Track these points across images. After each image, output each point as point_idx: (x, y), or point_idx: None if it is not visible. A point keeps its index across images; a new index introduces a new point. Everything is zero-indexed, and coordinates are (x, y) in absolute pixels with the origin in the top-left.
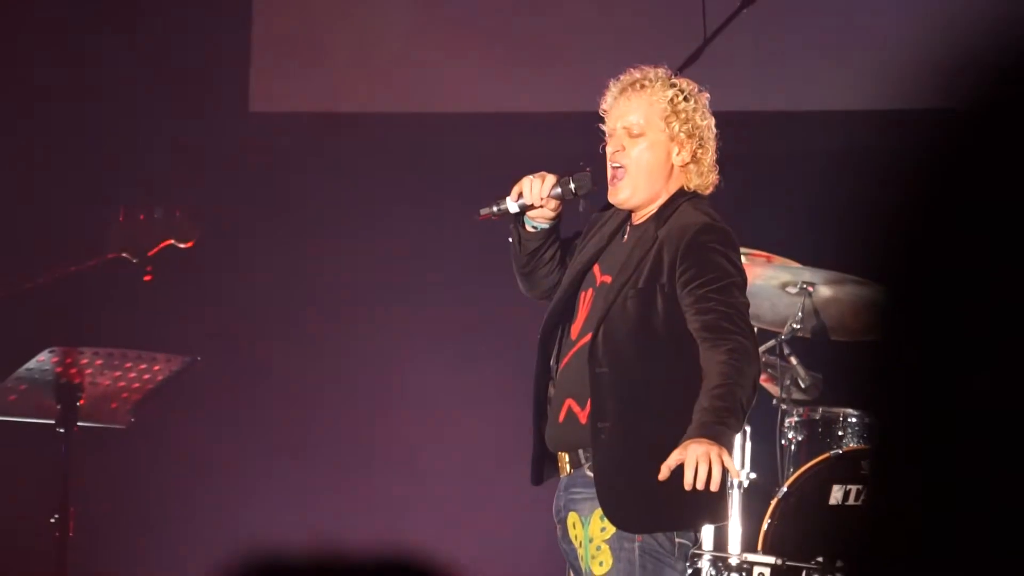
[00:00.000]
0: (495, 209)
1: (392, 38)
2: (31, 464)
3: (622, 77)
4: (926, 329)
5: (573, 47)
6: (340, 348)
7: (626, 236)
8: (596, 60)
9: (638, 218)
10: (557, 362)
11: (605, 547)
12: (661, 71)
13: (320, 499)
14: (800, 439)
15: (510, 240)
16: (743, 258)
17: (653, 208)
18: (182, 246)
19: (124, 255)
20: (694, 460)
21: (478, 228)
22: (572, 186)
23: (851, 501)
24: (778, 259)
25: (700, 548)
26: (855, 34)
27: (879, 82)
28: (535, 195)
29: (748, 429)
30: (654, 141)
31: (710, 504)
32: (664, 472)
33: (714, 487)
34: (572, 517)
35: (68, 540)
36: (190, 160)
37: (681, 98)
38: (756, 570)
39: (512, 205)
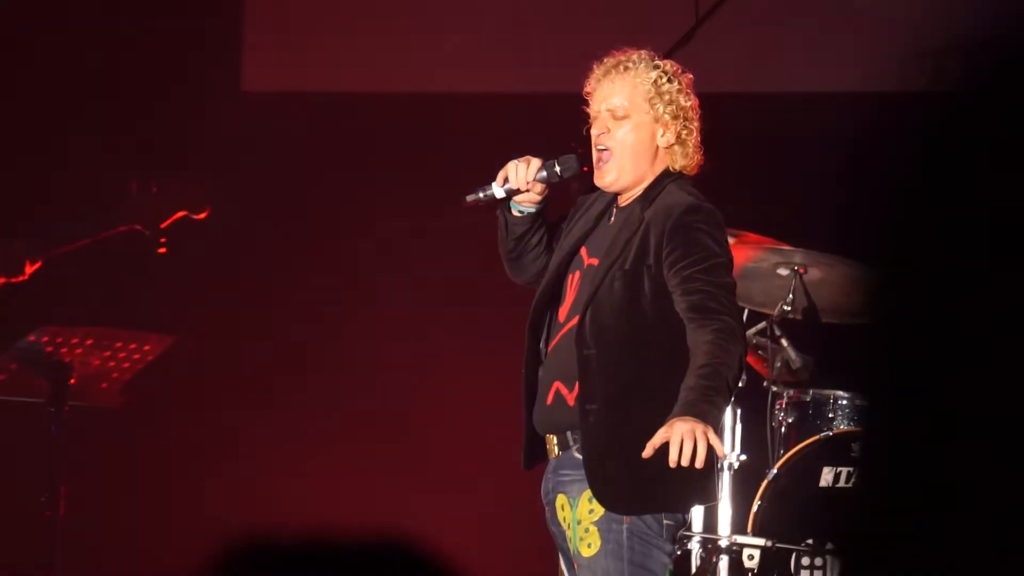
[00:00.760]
0: (481, 195)
1: (385, 16)
2: (22, 443)
3: (605, 59)
4: (916, 312)
5: (568, 29)
6: (333, 332)
7: (612, 218)
8: (589, 42)
9: (624, 200)
10: (546, 345)
11: (593, 529)
12: (644, 53)
13: (314, 482)
14: (791, 421)
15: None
16: (733, 239)
17: (639, 190)
18: (196, 217)
19: (137, 228)
20: (679, 438)
21: (471, 212)
22: (557, 169)
23: (841, 483)
24: (769, 241)
25: (690, 530)
26: (849, 15)
27: (873, 63)
28: (521, 179)
29: (739, 411)
30: (638, 123)
31: (699, 485)
32: (648, 450)
33: (699, 464)
34: (560, 499)
35: (58, 519)
36: (181, 140)
37: (665, 79)
38: (746, 552)
39: (498, 190)
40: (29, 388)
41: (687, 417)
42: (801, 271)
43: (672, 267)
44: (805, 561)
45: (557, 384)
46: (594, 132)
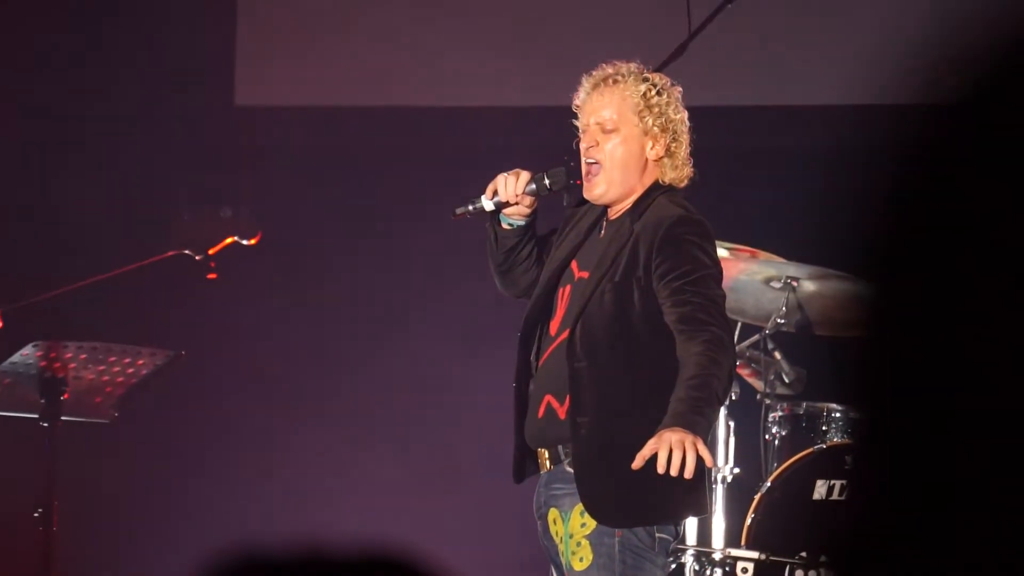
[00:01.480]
0: (470, 208)
1: (380, 30)
2: (15, 459)
3: (594, 72)
4: (909, 324)
5: (559, 42)
6: (328, 343)
7: (603, 231)
8: (581, 55)
9: (614, 213)
10: (537, 359)
11: (585, 543)
12: (634, 65)
13: (307, 495)
14: (784, 434)
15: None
16: (727, 252)
17: (628, 203)
18: (246, 243)
19: (186, 252)
20: (667, 448)
21: (464, 224)
22: (547, 182)
23: (835, 496)
24: (762, 254)
25: (683, 543)
26: (840, 29)
27: (864, 77)
28: (510, 192)
29: (732, 424)
30: (627, 135)
31: (691, 497)
32: (638, 461)
33: (687, 474)
34: (553, 513)
35: (52, 534)
36: (176, 153)
37: (654, 92)
38: (740, 565)
39: (487, 203)
40: (22, 403)
41: (676, 428)
42: (794, 284)
43: (662, 279)
44: (799, 574)
45: (548, 398)
46: (583, 145)
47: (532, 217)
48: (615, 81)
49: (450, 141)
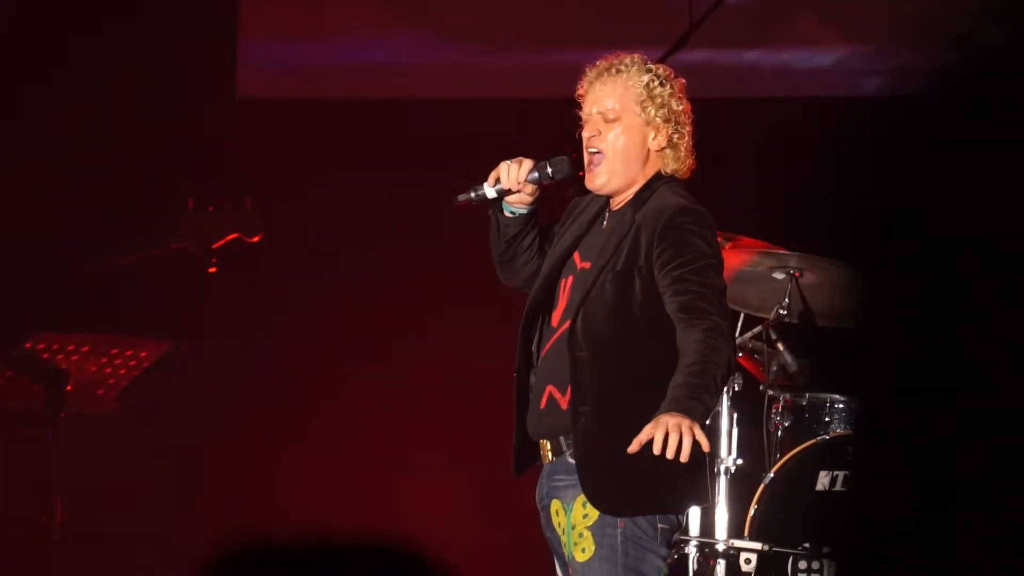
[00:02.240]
0: (473, 195)
1: (379, 23)
2: (17, 451)
3: (598, 62)
4: (910, 315)
5: (558, 34)
6: (330, 339)
7: (605, 222)
8: (583, 47)
9: (616, 203)
10: (539, 350)
11: (587, 533)
12: (637, 56)
13: (313, 487)
14: (787, 425)
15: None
16: (729, 244)
17: (630, 193)
18: (249, 240)
19: (190, 246)
20: (664, 431)
21: (467, 216)
22: (549, 171)
23: (838, 487)
24: (765, 245)
25: (687, 534)
26: (842, 21)
27: (868, 69)
28: (512, 180)
29: (735, 415)
30: (629, 125)
31: (692, 486)
32: (635, 446)
33: (683, 458)
34: (555, 504)
35: (54, 527)
36: (177, 147)
37: (657, 83)
38: (743, 556)
39: (489, 191)
40: (25, 395)
41: (673, 412)
42: (797, 275)
43: (663, 268)
44: (802, 565)
45: (550, 388)
46: (585, 135)
47: (535, 206)
48: (618, 71)
49: (452, 133)
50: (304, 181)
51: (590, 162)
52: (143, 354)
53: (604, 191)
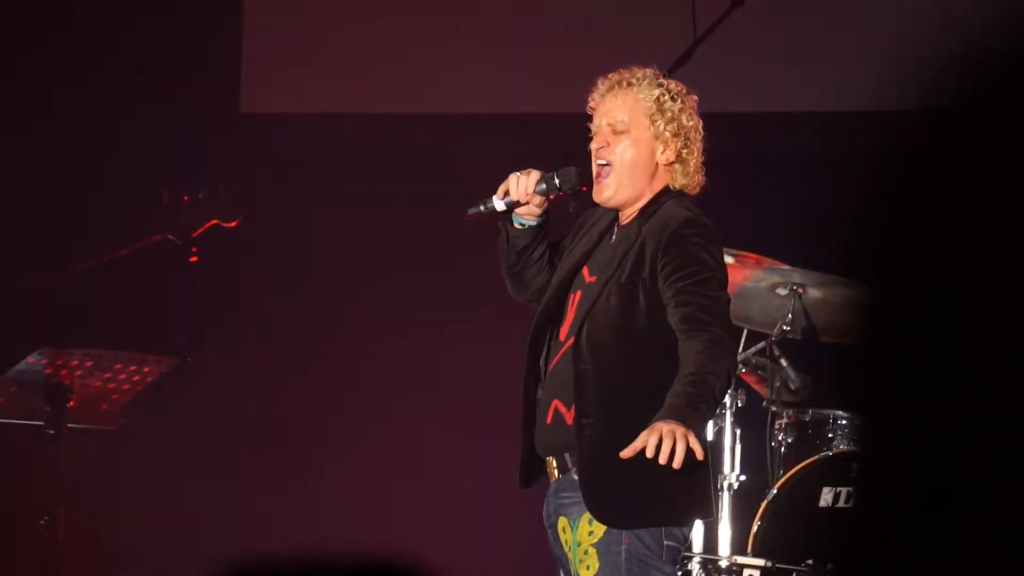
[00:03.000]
0: (482, 208)
1: (384, 38)
2: (22, 466)
3: (610, 75)
4: (912, 332)
5: (562, 48)
6: (332, 351)
7: (614, 237)
8: (585, 62)
9: (625, 218)
10: (546, 364)
11: (592, 551)
12: (649, 71)
13: (311, 503)
14: (790, 441)
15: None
16: (732, 259)
17: (638, 207)
18: (227, 225)
19: (169, 237)
20: (657, 436)
21: (473, 230)
22: (557, 181)
23: (841, 503)
24: (768, 261)
25: (690, 550)
26: (845, 36)
27: (870, 84)
28: (521, 191)
29: (738, 431)
30: (638, 138)
31: (697, 498)
32: (628, 451)
33: (676, 464)
34: (562, 522)
35: (58, 541)
36: (182, 161)
37: (668, 97)
38: (746, 572)
39: (499, 203)
40: (29, 411)
41: (669, 420)
42: (800, 291)
43: (667, 280)
44: None
45: (556, 403)
46: (594, 146)
47: (544, 218)
48: (629, 84)
49: (456, 148)
50: (310, 193)
51: (598, 174)
52: (146, 369)
53: (610, 203)
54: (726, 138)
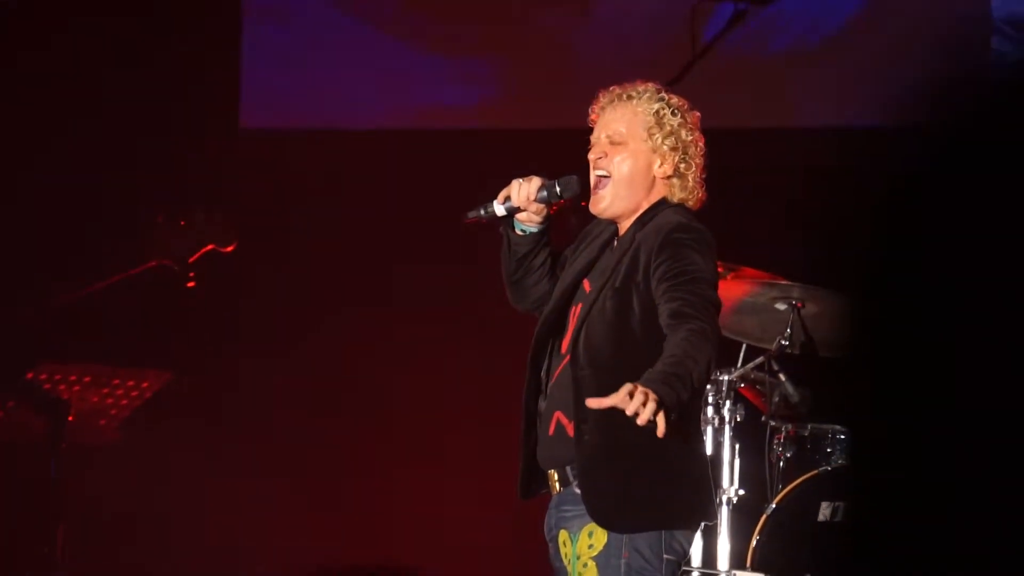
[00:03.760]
0: (482, 212)
1: (384, 53)
2: (20, 481)
3: (612, 88)
4: (907, 345)
5: (564, 65)
6: (330, 365)
7: (614, 248)
8: (585, 77)
9: (623, 229)
10: (548, 376)
11: (592, 564)
12: (652, 85)
13: (310, 515)
14: (789, 455)
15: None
16: (731, 274)
17: (635, 218)
18: (223, 250)
19: (166, 263)
20: (626, 391)
21: (471, 243)
22: (558, 189)
23: (839, 518)
24: (766, 275)
25: (689, 564)
26: (845, 51)
27: (870, 98)
28: (522, 197)
29: (737, 445)
30: (635, 150)
31: (698, 502)
32: (594, 402)
33: (640, 420)
34: (563, 535)
35: (56, 557)
36: (181, 176)
37: (668, 112)
38: None
39: (499, 208)
40: (27, 426)
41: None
42: (799, 305)
43: (658, 281)
44: None
45: (558, 415)
46: (591, 157)
47: (545, 225)
48: (629, 97)
49: (455, 163)
50: (306, 208)
51: (595, 185)
52: (144, 384)
53: (606, 215)
54: (725, 152)
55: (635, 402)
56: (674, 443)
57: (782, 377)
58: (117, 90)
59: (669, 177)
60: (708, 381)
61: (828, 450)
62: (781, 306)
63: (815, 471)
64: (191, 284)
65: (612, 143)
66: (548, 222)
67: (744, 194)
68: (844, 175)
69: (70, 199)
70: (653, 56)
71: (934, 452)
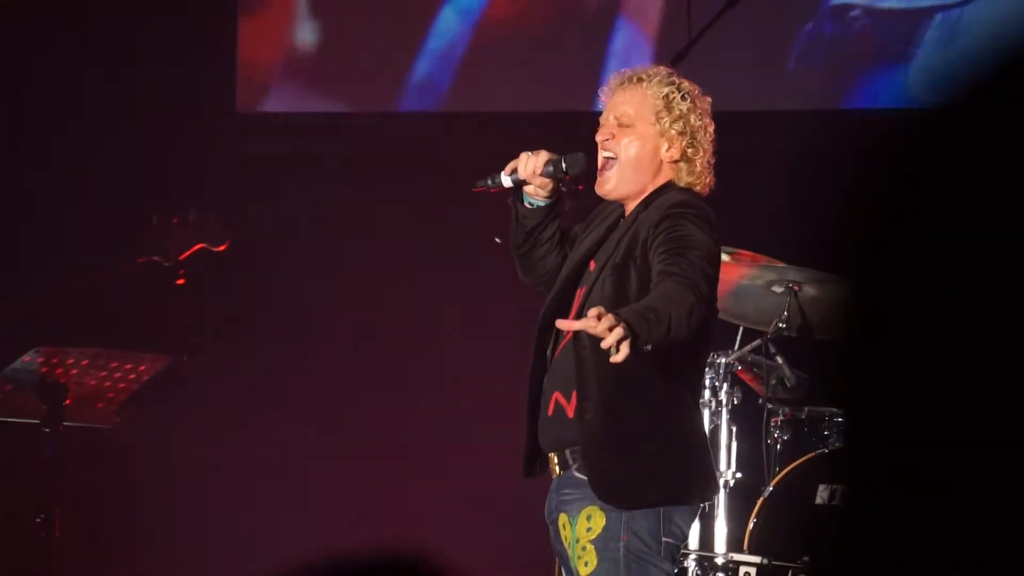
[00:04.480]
0: (489, 182)
1: (376, 38)
2: (17, 464)
3: (624, 71)
4: (905, 328)
5: (558, 48)
6: (333, 348)
7: (618, 229)
8: (580, 61)
9: (628, 211)
10: (553, 355)
11: (591, 547)
12: (663, 69)
13: (315, 499)
14: (786, 438)
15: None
16: (728, 257)
17: (641, 199)
18: (215, 249)
19: (156, 259)
20: (595, 315)
21: (474, 224)
22: (564, 165)
23: (837, 501)
24: (764, 258)
25: (686, 547)
26: (840, 35)
27: (866, 81)
28: (528, 170)
29: (734, 428)
30: (642, 133)
31: (699, 478)
32: (564, 324)
33: (605, 344)
34: (563, 518)
35: (53, 540)
36: (178, 162)
37: (678, 96)
38: (742, 570)
39: (505, 179)
40: (24, 409)
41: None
42: (796, 288)
43: (655, 251)
44: None
45: (556, 395)
46: (599, 138)
47: (553, 198)
48: (640, 80)
49: (452, 147)
50: (301, 194)
51: (602, 167)
52: (142, 368)
53: (612, 196)
54: (722, 136)
55: (602, 325)
56: (675, 420)
57: (779, 360)
58: (106, 85)
59: (676, 161)
60: (690, 333)
61: (825, 433)
62: (778, 289)
63: (812, 454)
64: (181, 281)
65: (620, 125)
66: (556, 196)
67: (741, 176)
68: (844, 157)
69: (66, 197)
70: (647, 39)
71: (931, 434)
